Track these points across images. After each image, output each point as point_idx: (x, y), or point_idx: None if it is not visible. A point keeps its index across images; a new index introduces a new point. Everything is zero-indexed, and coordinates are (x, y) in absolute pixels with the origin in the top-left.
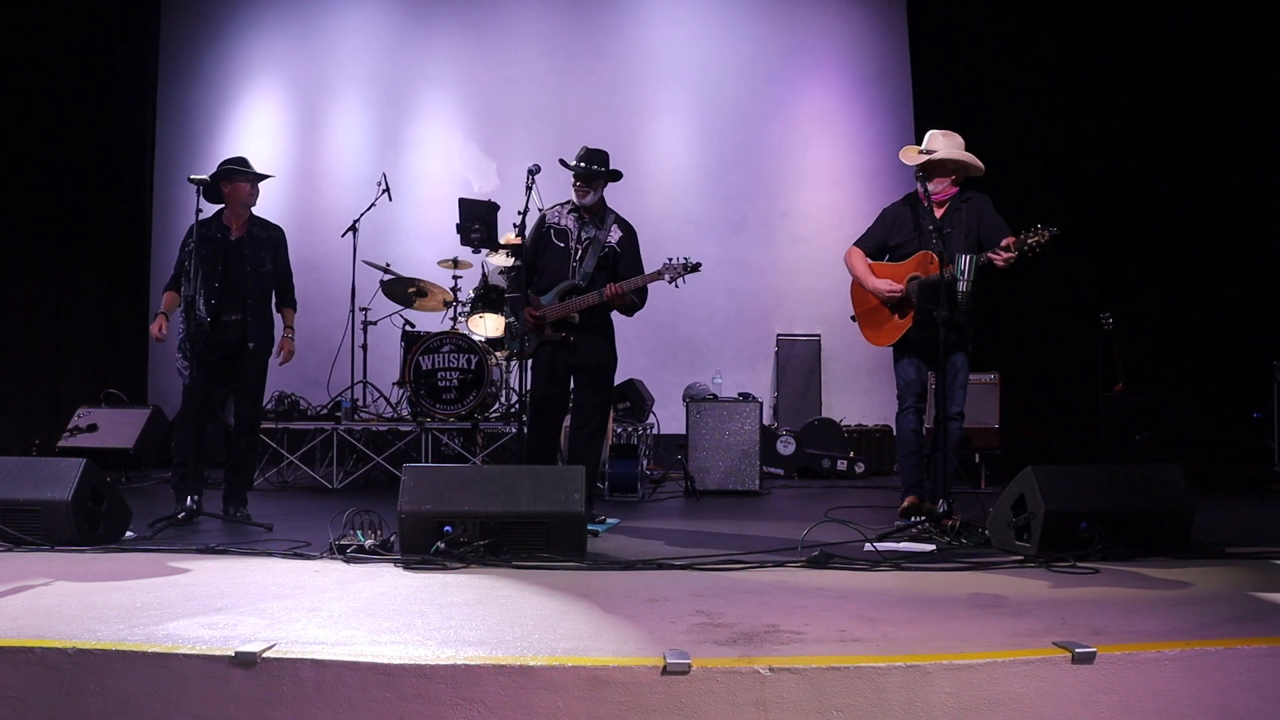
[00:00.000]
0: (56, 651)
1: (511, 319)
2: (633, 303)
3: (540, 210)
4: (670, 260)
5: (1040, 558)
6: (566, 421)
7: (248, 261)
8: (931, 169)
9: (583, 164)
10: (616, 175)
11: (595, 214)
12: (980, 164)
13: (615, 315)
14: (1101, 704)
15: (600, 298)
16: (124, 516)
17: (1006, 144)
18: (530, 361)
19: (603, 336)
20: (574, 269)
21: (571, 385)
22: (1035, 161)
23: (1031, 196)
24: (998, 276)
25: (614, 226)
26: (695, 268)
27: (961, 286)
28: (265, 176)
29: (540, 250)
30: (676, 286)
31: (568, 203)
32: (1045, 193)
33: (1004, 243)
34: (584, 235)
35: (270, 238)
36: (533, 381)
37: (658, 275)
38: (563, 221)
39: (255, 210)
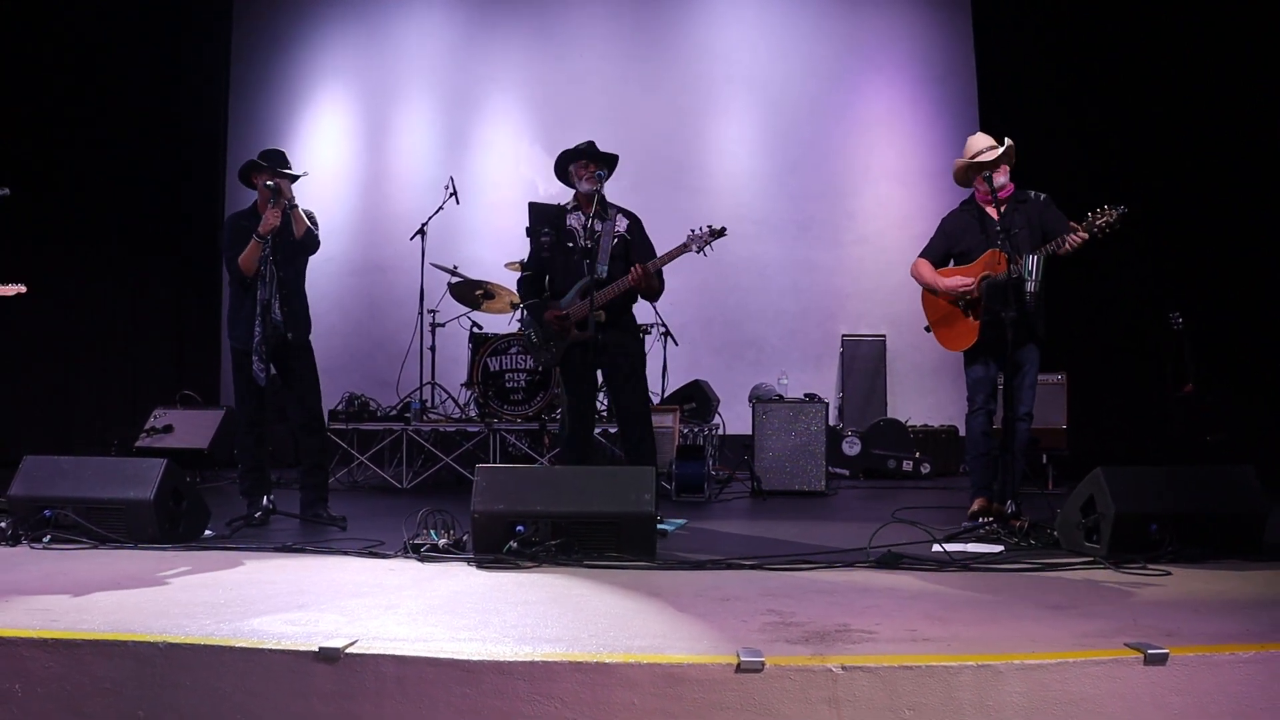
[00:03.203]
0: (148, 645)
1: (529, 330)
2: (656, 287)
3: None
4: (694, 230)
5: (1110, 559)
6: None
7: (281, 251)
8: (986, 167)
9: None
10: (613, 160)
11: (599, 205)
12: (1006, 139)
13: (642, 313)
14: (1175, 705)
15: (626, 284)
16: (203, 515)
17: (1072, 142)
18: (559, 367)
19: (630, 333)
20: (588, 265)
21: (601, 385)
22: (1103, 160)
23: (1099, 196)
24: (1067, 274)
25: (619, 216)
26: (720, 233)
27: (1030, 286)
28: (281, 172)
29: (550, 254)
30: (704, 255)
31: (568, 202)
32: (1113, 192)
33: (1071, 226)
34: (595, 230)
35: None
36: (566, 386)
37: (684, 248)
38: (569, 222)
39: (313, 208)
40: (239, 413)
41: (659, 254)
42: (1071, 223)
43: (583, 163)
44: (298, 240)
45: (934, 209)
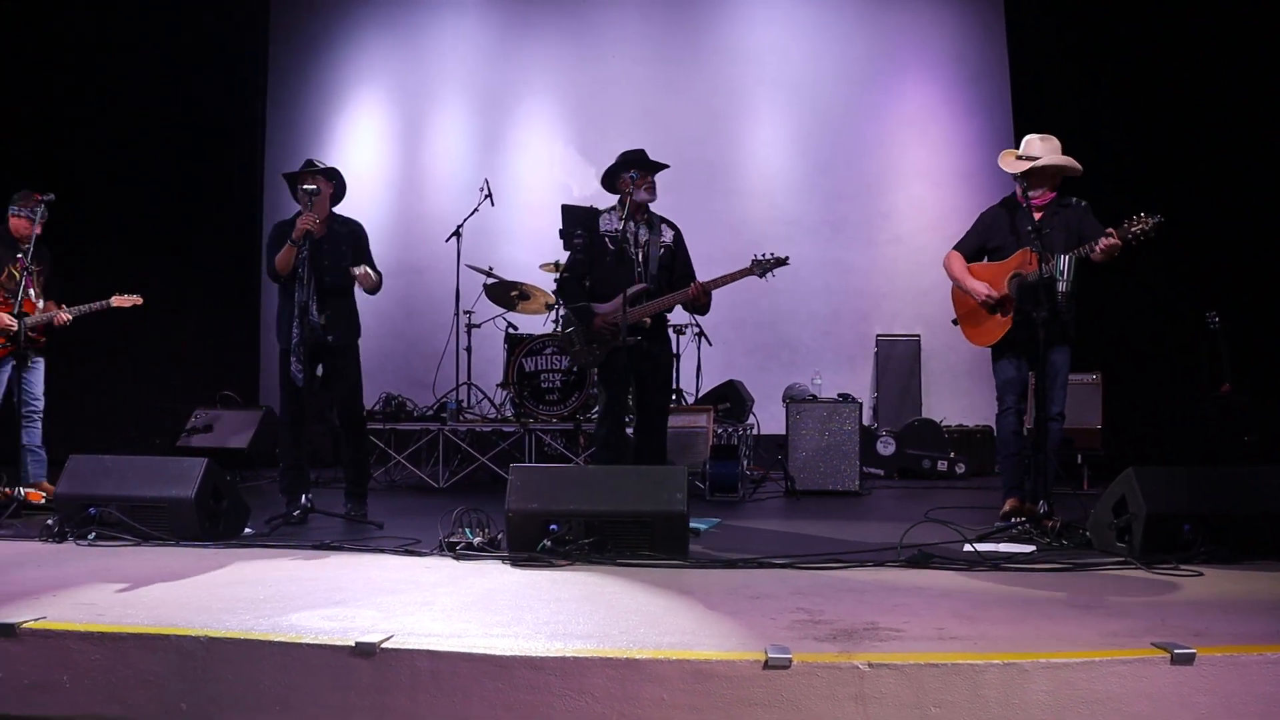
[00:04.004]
0: (190, 639)
1: (572, 331)
2: (706, 303)
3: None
4: (758, 256)
5: (1141, 560)
6: None
7: (328, 257)
8: (1032, 176)
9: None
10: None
11: (647, 214)
12: (1079, 166)
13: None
14: (1201, 705)
15: (682, 297)
16: (243, 514)
17: (1106, 142)
18: (597, 369)
19: (667, 340)
20: (639, 273)
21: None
22: (1137, 160)
23: (1133, 196)
24: (1102, 274)
25: (663, 226)
26: (784, 261)
27: (1061, 286)
28: (312, 171)
29: (596, 258)
30: (766, 280)
31: (613, 208)
32: (1147, 191)
33: (1107, 231)
34: (641, 239)
35: (351, 233)
36: (608, 387)
37: (747, 272)
38: (615, 227)
39: (349, 213)
40: (281, 412)
41: (695, 269)
42: (1108, 229)
43: (640, 172)
44: (344, 250)
45: (968, 209)
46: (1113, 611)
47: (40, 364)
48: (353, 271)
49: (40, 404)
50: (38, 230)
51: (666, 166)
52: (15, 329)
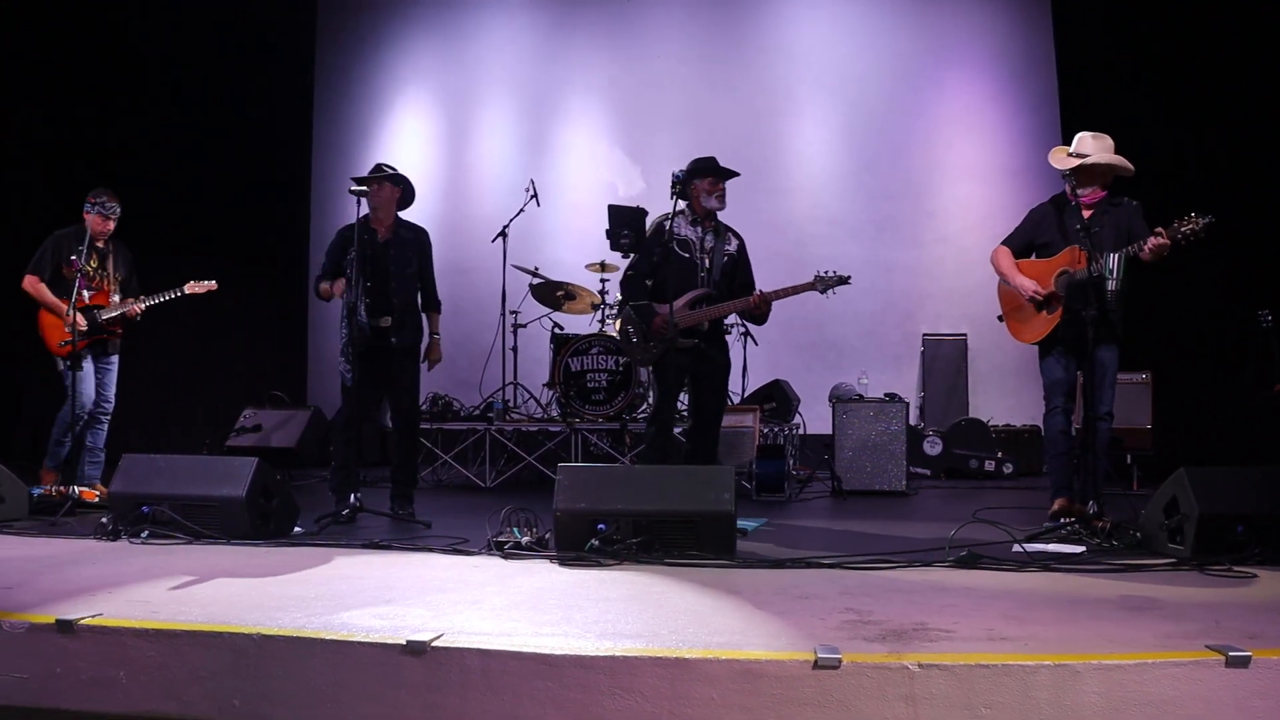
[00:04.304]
0: (243, 637)
1: (629, 326)
2: (765, 313)
3: (660, 219)
4: (822, 272)
5: (1194, 561)
6: None
7: (393, 262)
8: (1082, 174)
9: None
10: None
11: (714, 222)
12: (1130, 166)
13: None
14: (1258, 709)
15: (742, 305)
16: (292, 513)
17: (1156, 140)
18: (652, 368)
19: (724, 344)
20: (703, 278)
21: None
22: (1187, 157)
23: (1183, 194)
24: (1152, 273)
25: (729, 234)
26: (846, 280)
27: (1111, 285)
28: (388, 176)
29: (662, 260)
30: (828, 297)
31: (682, 212)
32: (1197, 189)
33: (1156, 230)
34: (707, 244)
35: (416, 239)
36: (660, 385)
37: (809, 287)
38: (684, 231)
39: (406, 215)
40: (337, 411)
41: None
42: (1156, 228)
43: (712, 179)
44: (409, 255)
45: (1015, 207)
46: (1166, 613)
47: (114, 365)
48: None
49: (111, 406)
50: (111, 226)
51: (737, 174)
52: (85, 327)
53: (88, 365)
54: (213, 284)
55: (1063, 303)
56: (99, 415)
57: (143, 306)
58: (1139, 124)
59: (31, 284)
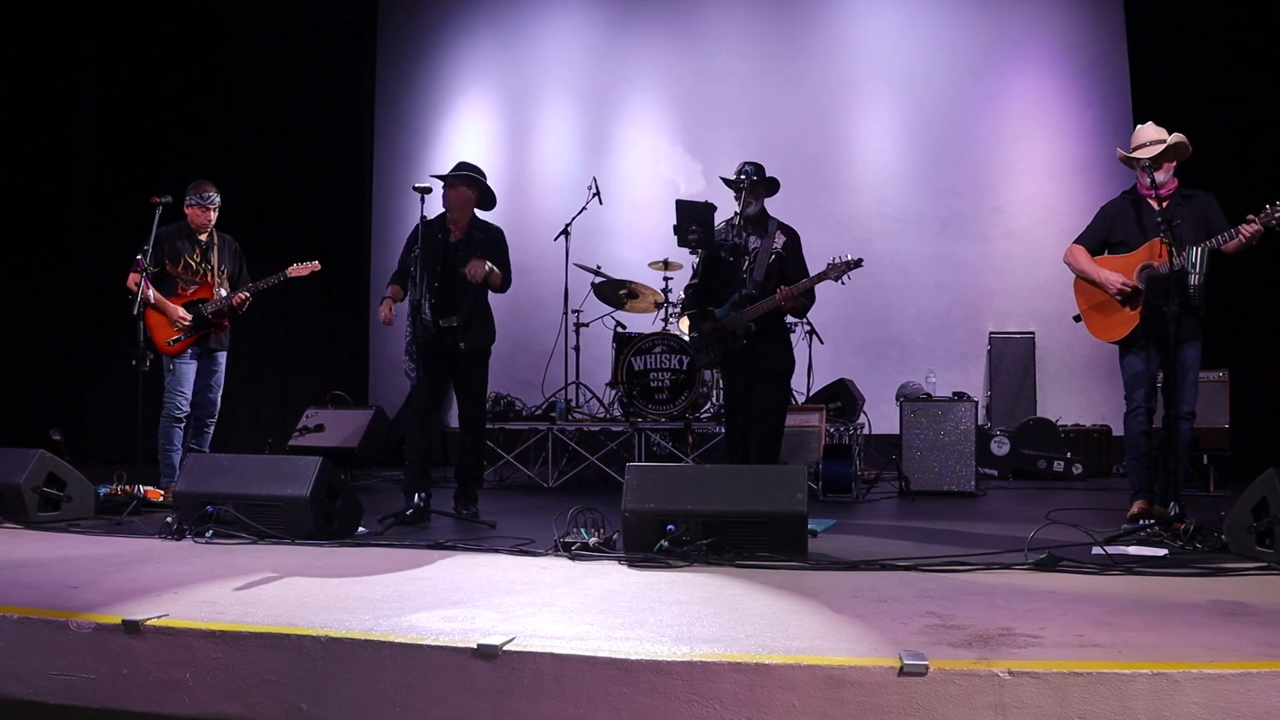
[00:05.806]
0: (310, 639)
1: (694, 334)
2: (801, 306)
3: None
4: (834, 259)
5: None
6: None
7: (463, 263)
8: (1163, 158)
9: (742, 176)
10: (774, 183)
11: (758, 223)
12: (1189, 145)
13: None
14: None
15: (771, 304)
16: (356, 513)
17: (1230, 132)
18: (715, 371)
19: (780, 341)
20: (745, 279)
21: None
22: (1261, 150)
23: (1258, 187)
24: (1228, 268)
25: (777, 233)
26: (857, 263)
27: (1193, 280)
28: (462, 177)
29: (714, 266)
30: (843, 284)
31: (733, 216)
32: (1273, 182)
33: (1247, 218)
34: (750, 245)
35: (488, 239)
36: (725, 388)
37: (823, 276)
38: (731, 236)
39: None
40: (409, 409)
41: (811, 271)
42: (1248, 215)
43: (735, 192)
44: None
45: (1085, 202)
46: (1262, 620)
47: (221, 366)
48: (464, 271)
49: (215, 409)
50: (211, 216)
51: (735, 177)
52: (189, 321)
53: (189, 365)
54: (316, 264)
55: (1143, 298)
56: (204, 419)
57: (245, 295)
58: (1215, 114)
59: (133, 283)
